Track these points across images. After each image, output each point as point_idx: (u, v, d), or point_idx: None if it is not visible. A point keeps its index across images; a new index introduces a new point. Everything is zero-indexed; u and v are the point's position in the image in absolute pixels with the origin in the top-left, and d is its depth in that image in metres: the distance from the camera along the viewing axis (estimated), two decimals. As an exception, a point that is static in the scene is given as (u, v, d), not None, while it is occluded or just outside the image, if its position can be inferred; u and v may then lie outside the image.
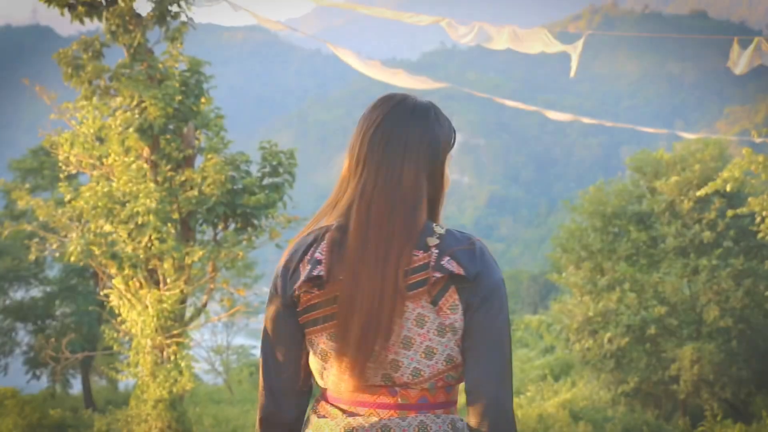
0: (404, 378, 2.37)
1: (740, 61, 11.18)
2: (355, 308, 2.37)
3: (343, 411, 2.44)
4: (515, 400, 18.60)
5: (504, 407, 2.34)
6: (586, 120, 16.42)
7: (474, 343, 2.35)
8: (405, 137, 2.47)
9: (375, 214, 2.41)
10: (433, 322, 2.34)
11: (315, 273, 2.40)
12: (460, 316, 2.34)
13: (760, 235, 14.31)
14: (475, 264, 2.36)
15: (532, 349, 31.33)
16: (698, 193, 16.35)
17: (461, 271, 2.32)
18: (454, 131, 2.57)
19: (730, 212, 15.76)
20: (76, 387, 27.90)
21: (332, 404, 2.47)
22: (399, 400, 2.38)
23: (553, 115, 15.36)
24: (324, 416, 2.47)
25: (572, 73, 11.54)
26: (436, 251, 2.36)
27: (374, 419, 2.38)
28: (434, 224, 2.44)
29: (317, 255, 2.43)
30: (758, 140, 14.15)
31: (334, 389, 2.46)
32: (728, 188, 14.47)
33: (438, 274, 2.32)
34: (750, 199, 14.30)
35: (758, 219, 14.28)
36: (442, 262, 2.34)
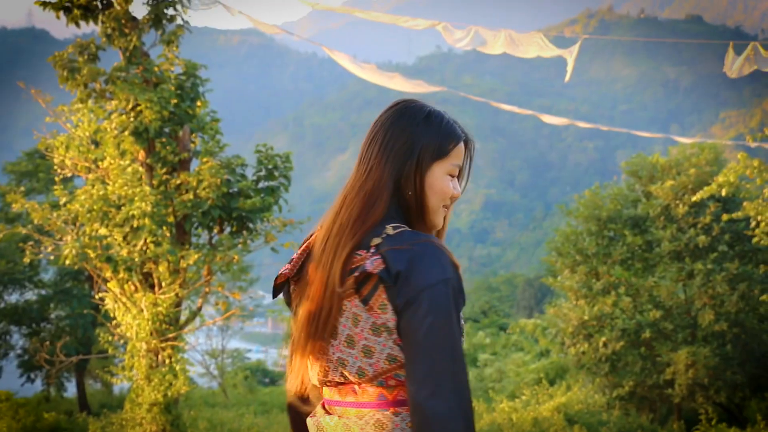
0: (352, 377, 2.39)
1: (735, 66, 11.20)
2: (306, 304, 2.44)
3: (326, 411, 2.49)
4: (509, 403, 18.60)
5: (428, 414, 2.22)
6: (581, 124, 16.42)
7: (403, 345, 2.32)
8: (384, 135, 2.51)
9: (343, 210, 2.46)
10: (366, 322, 2.34)
11: (280, 271, 2.53)
12: (392, 316, 2.33)
13: (755, 239, 14.34)
14: (399, 264, 2.32)
15: (528, 353, 31.33)
16: (693, 198, 16.36)
17: (375, 270, 2.32)
18: (454, 140, 2.54)
19: (725, 217, 15.76)
20: (71, 390, 27.90)
21: (322, 404, 2.52)
22: (359, 398, 2.40)
23: (549, 119, 15.34)
24: (312, 416, 2.53)
25: (567, 78, 11.56)
26: (373, 251, 2.36)
27: (336, 418, 2.42)
28: (391, 225, 2.42)
29: (294, 255, 2.53)
30: (753, 145, 14.17)
31: (320, 388, 2.54)
32: (723, 193, 14.50)
33: (357, 273, 2.34)
34: (745, 203, 14.32)
35: (753, 223, 14.30)
36: (366, 261, 2.35)
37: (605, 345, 18.16)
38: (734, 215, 15.48)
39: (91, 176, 13.54)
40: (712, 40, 17.74)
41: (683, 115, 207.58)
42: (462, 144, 2.57)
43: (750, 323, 17.69)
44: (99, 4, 13.19)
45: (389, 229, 2.40)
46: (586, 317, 18.31)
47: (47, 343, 19.07)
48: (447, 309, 2.29)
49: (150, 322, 12.97)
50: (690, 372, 17.05)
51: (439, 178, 2.50)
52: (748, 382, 17.59)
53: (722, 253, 17.77)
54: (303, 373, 2.52)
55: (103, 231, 12.93)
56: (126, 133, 13.08)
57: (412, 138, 2.50)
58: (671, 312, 18.31)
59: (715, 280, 17.46)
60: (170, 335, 13.28)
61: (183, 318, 14.61)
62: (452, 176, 2.54)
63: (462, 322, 2.37)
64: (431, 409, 2.22)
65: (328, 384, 2.46)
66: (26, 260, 14.38)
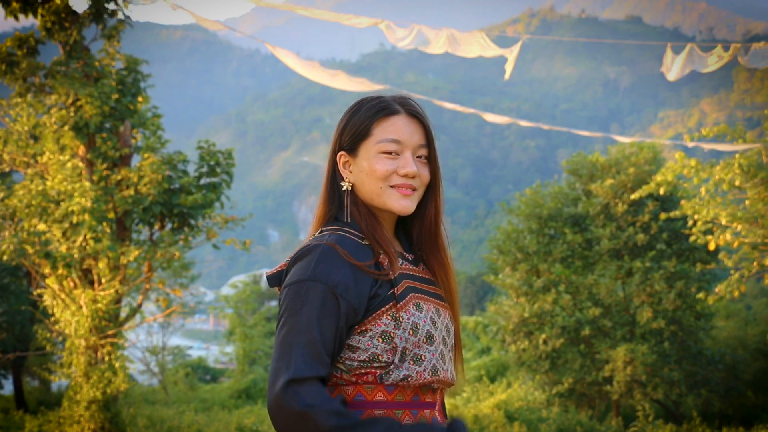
0: None
1: (673, 67, 11.38)
2: None
3: None
4: (450, 400, 18.70)
5: (268, 401, 2.26)
6: (523, 123, 16.56)
7: None
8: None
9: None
10: None
11: None
12: None
13: (691, 238, 14.54)
14: (288, 267, 2.39)
15: (469, 350, 31.46)
16: (632, 197, 16.56)
17: (269, 274, 2.42)
18: (375, 117, 2.47)
19: (663, 215, 15.98)
20: (8, 388, 27.48)
21: None
22: None
23: (491, 117, 15.45)
24: None
25: (507, 76, 11.67)
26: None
27: None
28: (327, 227, 2.46)
29: None
30: (691, 144, 14.39)
31: None
32: (661, 192, 14.70)
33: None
34: (682, 202, 14.53)
35: (690, 222, 14.50)
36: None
37: (545, 342, 18.29)
38: (672, 214, 15.68)
39: (29, 171, 13.40)
40: (652, 41, 17.98)
41: (623, 114, 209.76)
42: (393, 118, 2.46)
43: (687, 321, 17.94)
44: (39, -3, 13.04)
45: (318, 232, 2.45)
46: (526, 314, 18.43)
47: (-16, 340, 18.80)
48: (297, 307, 2.29)
49: (89, 319, 12.85)
50: (628, 369, 17.24)
51: (368, 159, 2.44)
52: (685, 379, 17.82)
53: (660, 251, 17.98)
54: None
55: (41, 226, 12.79)
56: (66, 128, 12.95)
57: (338, 131, 2.52)
58: (610, 309, 18.50)
59: (653, 278, 17.67)
60: (110, 332, 13.18)
61: (123, 315, 14.50)
62: (388, 153, 2.44)
63: (341, 322, 2.31)
64: (269, 400, 2.25)
65: None
66: (-38, 256, 14.16)
